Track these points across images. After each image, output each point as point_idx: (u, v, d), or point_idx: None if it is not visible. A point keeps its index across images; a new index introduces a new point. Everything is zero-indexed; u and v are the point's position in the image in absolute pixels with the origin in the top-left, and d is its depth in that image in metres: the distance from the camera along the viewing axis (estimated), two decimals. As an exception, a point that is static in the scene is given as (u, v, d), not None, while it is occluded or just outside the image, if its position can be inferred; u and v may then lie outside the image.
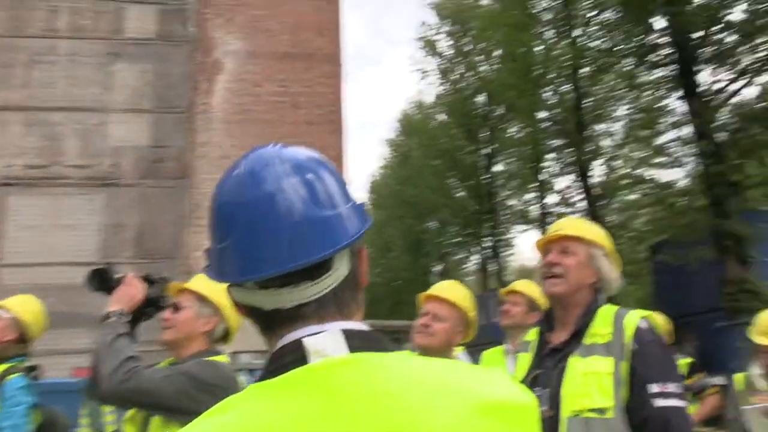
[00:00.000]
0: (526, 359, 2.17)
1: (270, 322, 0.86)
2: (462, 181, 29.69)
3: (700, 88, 15.73)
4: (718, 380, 6.35)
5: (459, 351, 3.20)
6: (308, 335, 0.82)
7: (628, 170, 19.83)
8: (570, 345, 2.02)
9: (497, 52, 25.85)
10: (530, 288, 3.60)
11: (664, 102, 17.27)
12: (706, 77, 16.12)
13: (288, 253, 0.81)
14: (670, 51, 16.56)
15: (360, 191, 39.97)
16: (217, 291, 2.46)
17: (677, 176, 17.58)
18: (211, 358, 2.31)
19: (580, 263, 2.09)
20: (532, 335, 2.25)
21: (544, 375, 2.03)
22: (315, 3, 14.32)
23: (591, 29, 20.39)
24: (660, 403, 1.81)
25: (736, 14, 15.76)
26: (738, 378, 3.53)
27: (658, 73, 17.28)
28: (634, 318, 1.96)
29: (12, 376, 3.03)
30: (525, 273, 46.10)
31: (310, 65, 14.39)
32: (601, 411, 1.85)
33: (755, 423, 3.17)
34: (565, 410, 1.90)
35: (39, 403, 3.10)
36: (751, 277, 14.16)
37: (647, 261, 19.33)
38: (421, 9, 38.74)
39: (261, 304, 0.85)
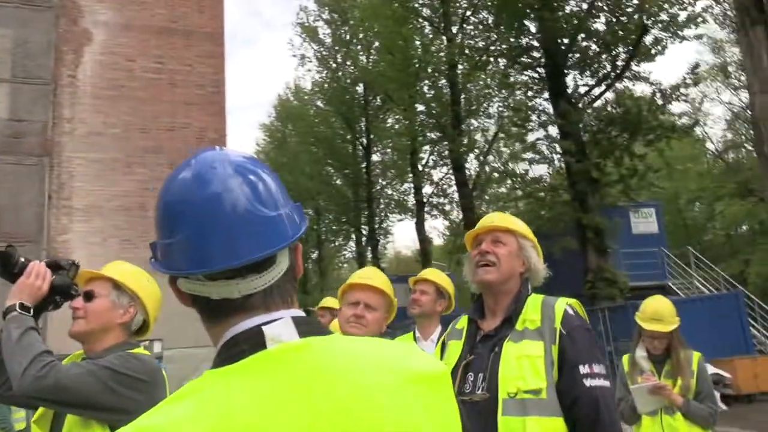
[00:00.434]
0: (457, 346, 2.23)
1: (217, 311, 0.90)
2: (340, 170, 29.81)
3: (567, 91, 16.81)
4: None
5: None
6: (263, 323, 0.87)
7: (499, 165, 20.91)
8: (502, 331, 2.10)
9: (376, 44, 26.14)
10: (438, 276, 3.67)
11: (534, 102, 18.31)
12: (572, 81, 17.29)
13: (237, 250, 0.86)
14: (541, 54, 17.59)
15: (234, 176, 38.65)
16: (134, 278, 2.28)
17: (544, 172, 18.65)
18: (132, 351, 2.15)
19: (511, 253, 2.18)
20: (462, 323, 2.31)
21: (478, 360, 2.10)
22: (194, -23, 13.66)
23: (468, 28, 21.17)
24: (589, 383, 1.93)
25: (599, 24, 17.05)
26: (624, 359, 3.84)
27: (529, 74, 18.31)
28: (562, 304, 2.08)
29: None
30: (401, 261, 47.30)
31: (189, 43, 13.70)
32: (535, 392, 1.94)
33: (640, 400, 3.47)
34: (502, 392, 1.97)
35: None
36: (608, 267, 15.45)
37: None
38: (300, -6, 38.27)
39: (209, 294, 0.89)
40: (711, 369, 10.46)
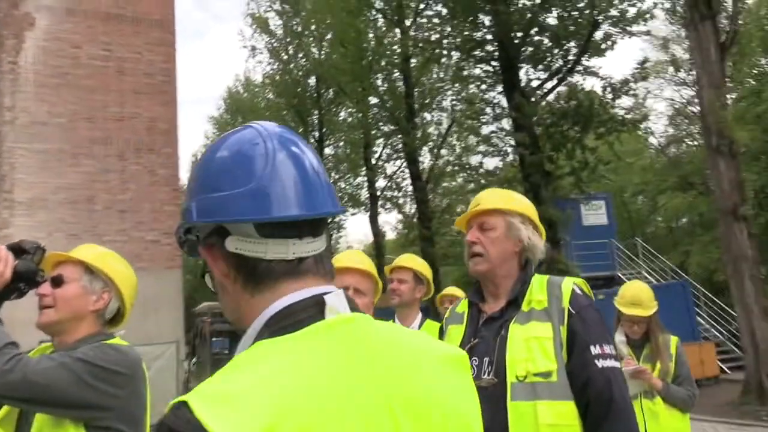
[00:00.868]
0: (458, 330, 2.14)
1: (266, 275, 0.85)
2: (292, 163, 29.41)
3: (521, 85, 16.97)
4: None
5: None
6: (324, 293, 0.85)
7: (453, 157, 21.00)
8: (508, 312, 2.02)
9: (329, 36, 25.89)
10: (415, 261, 3.58)
11: (488, 95, 18.43)
12: (525, 75, 17.47)
13: (314, 201, 0.86)
14: (494, 48, 17.70)
15: (184, 171, 37.78)
16: (108, 261, 2.09)
17: (498, 164, 18.82)
18: (108, 342, 1.97)
19: (499, 237, 2.09)
20: (462, 307, 2.23)
21: (483, 344, 2.02)
22: (142, -37, 13.19)
23: (422, 20, 21.16)
24: (601, 364, 1.87)
25: (552, 19, 17.26)
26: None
27: (483, 67, 18.40)
28: (569, 284, 2.01)
29: None
30: (351, 256, 47.16)
31: (138, 29, 13.25)
32: (545, 374, 1.87)
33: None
34: (511, 376, 1.89)
35: None
36: (561, 258, 15.69)
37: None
38: (249, -15, 37.48)
39: (262, 253, 0.85)
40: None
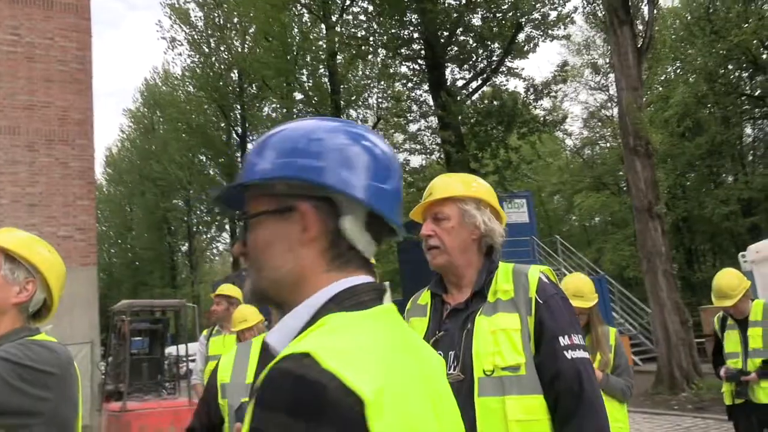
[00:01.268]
0: (421, 323, 2.05)
1: (347, 259, 0.95)
2: (214, 159, 28.66)
3: (447, 83, 17.18)
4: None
5: None
6: (381, 283, 0.97)
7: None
8: (473, 304, 1.94)
9: (252, 29, 25.34)
10: None
11: (414, 93, 18.54)
12: (451, 74, 17.70)
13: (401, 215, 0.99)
14: (421, 46, 17.83)
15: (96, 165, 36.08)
16: (33, 247, 1.86)
17: (423, 162, 18.96)
18: (34, 338, 1.75)
19: (453, 227, 2.00)
20: (425, 298, 2.13)
21: (448, 337, 1.93)
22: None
23: (348, 17, 21.03)
24: (570, 355, 1.81)
25: (477, 20, 17.57)
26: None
27: (410, 65, 18.51)
28: (535, 272, 1.95)
29: None
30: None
31: (49, 14, 12.46)
32: (514, 368, 1.79)
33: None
34: (478, 370, 1.81)
35: None
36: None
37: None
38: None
39: (357, 243, 0.95)
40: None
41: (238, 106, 27.54)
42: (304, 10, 22.54)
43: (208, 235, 33.13)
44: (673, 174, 27.20)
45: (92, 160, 12.19)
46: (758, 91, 27.47)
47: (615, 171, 31.70)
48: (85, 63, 12.74)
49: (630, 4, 11.77)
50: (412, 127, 18.27)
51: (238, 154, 28.17)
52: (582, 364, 1.82)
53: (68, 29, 12.78)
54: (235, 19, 25.90)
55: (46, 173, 11.55)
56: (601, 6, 12.30)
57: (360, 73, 22.15)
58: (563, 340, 1.83)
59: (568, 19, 16.38)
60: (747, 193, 26.07)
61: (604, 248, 30.55)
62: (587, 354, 1.89)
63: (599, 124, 33.52)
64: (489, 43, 17.41)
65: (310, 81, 22.46)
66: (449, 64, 17.69)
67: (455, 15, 16.64)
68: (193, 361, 5.95)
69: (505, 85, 17.51)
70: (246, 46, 26.02)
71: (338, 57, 21.48)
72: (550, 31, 16.90)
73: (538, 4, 16.54)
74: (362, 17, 19.54)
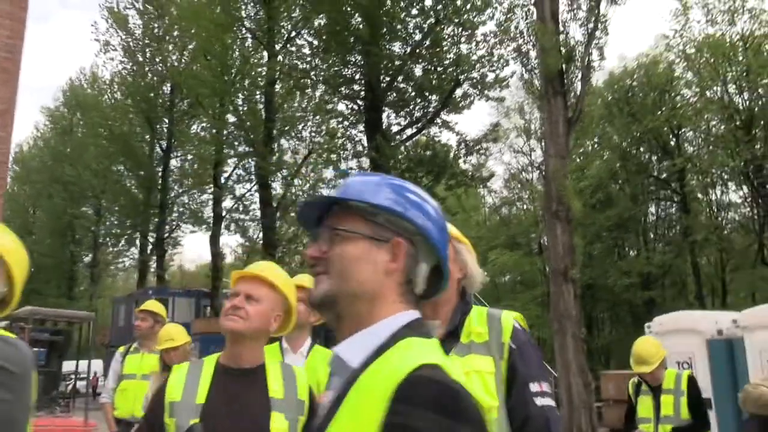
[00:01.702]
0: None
1: (410, 294, 1.12)
2: (132, 170, 27.62)
3: (383, 127, 17.45)
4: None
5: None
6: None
7: (308, 188, 20.94)
8: (446, 343, 1.96)
9: (192, 45, 24.95)
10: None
11: (349, 132, 18.71)
12: (387, 118, 18.01)
13: None
14: (362, 87, 18.11)
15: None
16: None
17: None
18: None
19: (450, 259, 2.06)
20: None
21: (420, 374, 1.94)
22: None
23: (292, 48, 21.12)
24: (540, 402, 1.85)
25: (419, 70, 18.07)
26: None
27: (348, 104, 18.72)
28: (509, 318, 2.00)
29: None
30: (185, 275, 44.84)
31: (-18, -3, 11.79)
32: (486, 411, 1.82)
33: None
34: (451, 410, 1.83)
35: None
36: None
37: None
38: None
39: (418, 282, 1.13)
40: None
41: (167, 120, 26.83)
42: (249, 35, 22.45)
43: (116, 249, 31.62)
44: (582, 242, 28.53)
45: (8, 153, 11.48)
46: (664, 174, 29.46)
47: (528, 232, 32.95)
48: (14, 53, 12.07)
49: (565, 77, 12.45)
50: (344, 165, 18.37)
51: (160, 169, 27.31)
52: (550, 411, 1.87)
53: (2, 16, 12.12)
54: (176, 33, 25.43)
55: (-47, 162, 10.77)
56: (538, 75, 12.94)
57: (296, 104, 22.15)
58: (534, 387, 1.88)
59: (505, 82, 17.14)
60: (647, 268, 27.67)
61: (512, 306, 31.41)
62: (554, 402, 1.94)
63: (519, 185, 34.89)
64: (427, 94, 17.90)
65: (245, 105, 22.20)
66: (387, 109, 18.01)
67: (398, 62, 17.04)
68: (82, 379, 5.58)
69: (438, 137, 18.01)
70: (183, 60, 25.52)
71: (277, 86, 21.43)
72: (486, 92, 17.58)
73: (478, 65, 17.22)
74: (306, 50, 19.68)
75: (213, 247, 23.45)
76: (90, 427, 7.88)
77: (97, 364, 22.84)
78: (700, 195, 28.99)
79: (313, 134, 21.25)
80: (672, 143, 29.15)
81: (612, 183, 29.42)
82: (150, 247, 27.72)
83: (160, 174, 27.02)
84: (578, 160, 29.90)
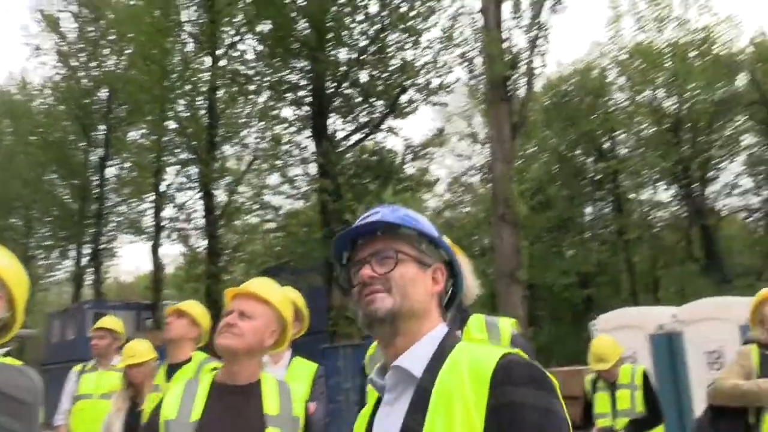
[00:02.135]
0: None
1: (442, 311, 1.33)
2: (66, 179, 26.61)
3: (329, 133, 17.44)
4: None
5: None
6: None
7: (252, 195, 20.68)
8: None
9: (130, 50, 24.26)
10: (292, 295, 3.45)
11: (296, 138, 18.61)
12: (335, 124, 18.01)
13: None
14: (307, 93, 18.05)
15: None
16: None
17: (300, 207, 18.92)
18: (4, 360, 1.59)
19: None
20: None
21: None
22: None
23: (235, 54, 20.83)
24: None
25: (364, 76, 18.14)
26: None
27: (293, 110, 18.61)
28: (507, 324, 2.09)
29: None
30: (123, 287, 43.39)
31: None
32: None
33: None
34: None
35: None
36: (350, 306, 16.08)
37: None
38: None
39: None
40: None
41: (103, 127, 25.99)
42: (190, 39, 22.01)
43: (48, 261, 30.32)
44: (526, 243, 29.20)
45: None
46: (599, 176, 30.53)
47: (472, 235, 33.50)
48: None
49: (509, 83, 12.79)
50: (290, 172, 18.27)
51: (96, 177, 26.42)
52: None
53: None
54: (112, 37, 24.68)
55: None
56: (483, 81, 13.25)
57: (240, 110, 21.85)
58: None
59: (449, 88, 17.42)
60: (584, 267, 28.58)
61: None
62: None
63: (461, 189, 35.44)
64: (373, 99, 17.99)
65: (187, 111, 21.75)
66: (333, 115, 18.01)
67: (344, 68, 17.09)
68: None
69: (384, 142, 18.14)
70: (120, 65, 24.79)
71: (220, 91, 21.09)
72: (431, 97, 17.82)
73: (423, 71, 17.44)
74: (250, 55, 19.45)
75: (154, 257, 22.86)
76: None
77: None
78: (632, 195, 30.17)
79: (257, 140, 20.99)
80: (606, 146, 30.25)
81: (550, 185, 30.28)
82: (85, 259, 26.75)
83: (96, 183, 26.14)
84: (518, 163, 30.64)
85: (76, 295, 26.62)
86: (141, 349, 4.54)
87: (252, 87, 19.16)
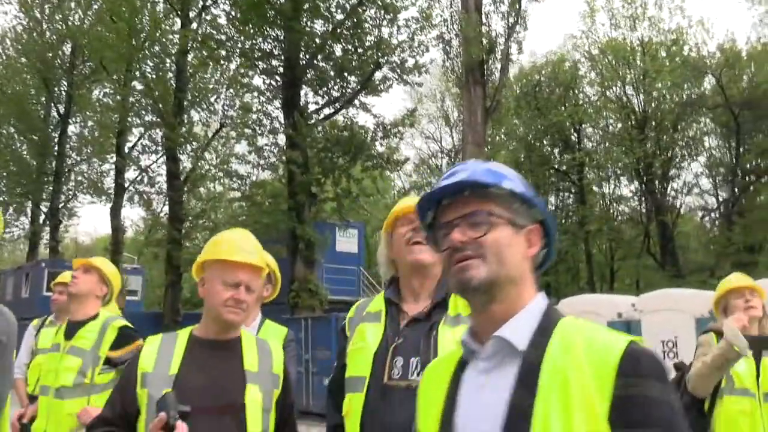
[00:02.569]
0: (376, 329, 2.08)
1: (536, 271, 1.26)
2: (25, 134, 25.76)
3: (300, 105, 17.23)
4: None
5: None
6: None
7: (218, 162, 20.39)
8: (435, 315, 2.03)
9: (97, 5, 23.49)
10: (266, 257, 3.40)
11: (266, 107, 18.35)
12: (306, 96, 17.80)
13: None
14: (281, 63, 17.77)
15: None
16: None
17: (267, 178, 18.71)
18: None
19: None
20: (376, 306, 2.17)
21: (408, 344, 1.99)
22: None
23: (208, 17, 20.35)
24: None
25: (339, 50, 17.93)
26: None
27: (265, 79, 18.32)
28: None
29: None
30: (79, 248, 42.38)
31: None
32: None
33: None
34: (441, 377, 1.90)
35: None
36: (313, 278, 16.06)
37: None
38: None
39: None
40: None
41: (66, 83, 25.17)
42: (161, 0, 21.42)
43: (3, 218, 29.34)
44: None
45: None
46: (564, 167, 30.98)
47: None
48: None
49: (485, 67, 12.83)
50: (259, 141, 18.02)
51: (56, 134, 25.66)
52: None
53: None
54: (79, -10, 23.86)
55: None
56: (459, 64, 13.25)
57: (210, 76, 21.43)
58: None
59: (424, 68, 17.35)
60: (545, 255, 29.02)
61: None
62: None
63: (428, 171, 35.56)
64: (347, 74, 17.81)
65: (154, 73, 21.22)
66: (305, 87, 17.79)
67: (319, 40, 16.86)
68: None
69: (355, 118, 18.01)
70: (87, 21, 23.99)
71: (190, 55, 20.62)
72: (405, 76, 17.72)
73: (398, 49, 17.32)
74: (223, 20, 19.02)
75: (114, 219, 22.39)
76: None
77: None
78: (595, 188, 30.70)
79: (226, 108, 20.66)
80: (573, 138, 30.66)
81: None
82: (42, 217, 26.04)
83: (56, 140, 25.39)
84: (487, 149, 30.87)
85: (31, 253, 25.96)
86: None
87: (223, 53, 18.74)
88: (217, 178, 20.14)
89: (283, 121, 17.32)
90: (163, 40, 21.21)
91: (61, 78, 25.48)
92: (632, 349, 1.03)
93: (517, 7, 12.82)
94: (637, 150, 26.36)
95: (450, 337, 1.98)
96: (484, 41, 12.53)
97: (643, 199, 29.15)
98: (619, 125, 28.92)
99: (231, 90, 20.22)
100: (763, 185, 27.43)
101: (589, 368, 1.02)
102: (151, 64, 21.59)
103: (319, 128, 17.29)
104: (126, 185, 22.64)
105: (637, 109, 27.88)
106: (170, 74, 21.21)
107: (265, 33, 17.74)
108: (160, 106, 20.13)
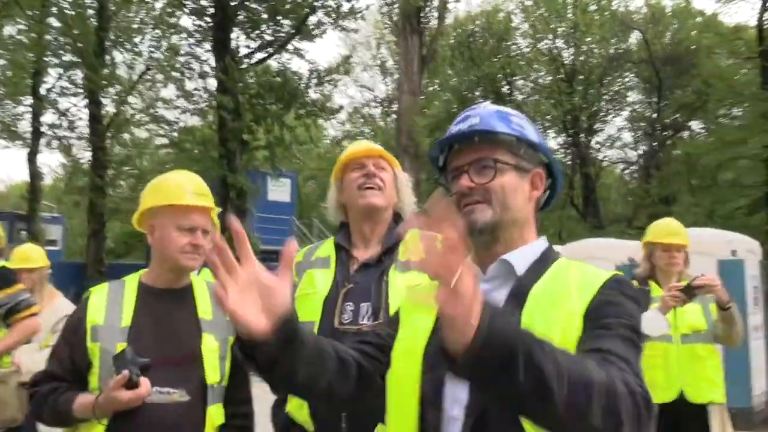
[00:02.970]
0: (326, 275, 2.09)
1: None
2: (-72, 73, 23.78)
3: (232, 48, 16.64)
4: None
5: None
6: None
7: (143, 106, 19.54)
8: (385, 260, 2.05)
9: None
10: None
11: (195, 50, 17.63)
12: (238, 39, 17.17)
13: None
14: (210, 3, 17.03)
15: None
16: None
17: (196, 124, 18.09)
18: None
19: (392, 181, 2.16)
20: (325, 251, 2.17)
21: (358, 289, 2.01)
22: None
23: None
24: None
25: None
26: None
27: (195, 20, 17.54)
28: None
29: None
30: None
31: None
32: None
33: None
34: (392, 322, 1.94)
35: None
36: (245, 228, 15.84)
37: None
38: None
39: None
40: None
41: (-27, 18, 23.26)
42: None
43: None
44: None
45: None
46: (496, 119, 31.31)
47: (368, 167, 33.62)
48: None
49: (422, 15, 12.71)
50: (188, 85, 17.36)
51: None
52: None
53: None
54: None
55: None
56: (396, 11, 13.07)
57: (134, 14, 20.31)
58: None
59: (360, 14, 17.00)
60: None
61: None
62: None
63: (362, 120, 35.30)
64: (280, 18, 17.27)
65: (73, 10, 19.91)
66: (237, 30, 17.16)
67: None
68: None
69: (289, 64, 17.58)
70: (-5, -51, 22.09)
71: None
72: (340, 21, 17.34)
73: (334, -7, 16.88)
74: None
75: (31, 165, 21.22)
76: None
77: None
78: (525, 140, 31.22)
79: (152, 49, 19.68)
80: (505, 90, 30.99)
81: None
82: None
83: (-35, 79, 23.61)
84: (422, 99, 30.86)
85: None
86: (34, 255, 4.28)
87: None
88: (142, 123, 19.31)
89: (213, 65, 16.72)
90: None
91: (-33, 12, 23.52)
92: (618, 277, 1.15)
93: (455, -46, 12.65)
94: (566, 103, 26.95)
95: (401, 283, 2.01)
96: (422, -12, 12.36)
97: (568, 151, 29.98)
98: (549, 78, 29.40)
99: (157, 30, 19.26)
100: (680, 139, 28.70)
101: (576, 293, 1.11)
102: (68, -1, 20.25)
103: (251, 73, 16.79)
104: (43, 129, 21.42)
105: (566, 62, 28.37)
106: (91, 11, 19.98)
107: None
108: (80, 45, 19.00)
